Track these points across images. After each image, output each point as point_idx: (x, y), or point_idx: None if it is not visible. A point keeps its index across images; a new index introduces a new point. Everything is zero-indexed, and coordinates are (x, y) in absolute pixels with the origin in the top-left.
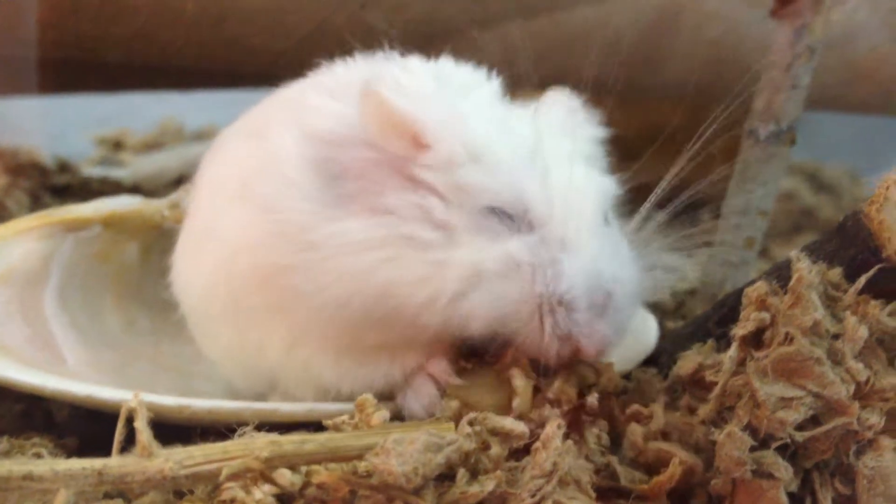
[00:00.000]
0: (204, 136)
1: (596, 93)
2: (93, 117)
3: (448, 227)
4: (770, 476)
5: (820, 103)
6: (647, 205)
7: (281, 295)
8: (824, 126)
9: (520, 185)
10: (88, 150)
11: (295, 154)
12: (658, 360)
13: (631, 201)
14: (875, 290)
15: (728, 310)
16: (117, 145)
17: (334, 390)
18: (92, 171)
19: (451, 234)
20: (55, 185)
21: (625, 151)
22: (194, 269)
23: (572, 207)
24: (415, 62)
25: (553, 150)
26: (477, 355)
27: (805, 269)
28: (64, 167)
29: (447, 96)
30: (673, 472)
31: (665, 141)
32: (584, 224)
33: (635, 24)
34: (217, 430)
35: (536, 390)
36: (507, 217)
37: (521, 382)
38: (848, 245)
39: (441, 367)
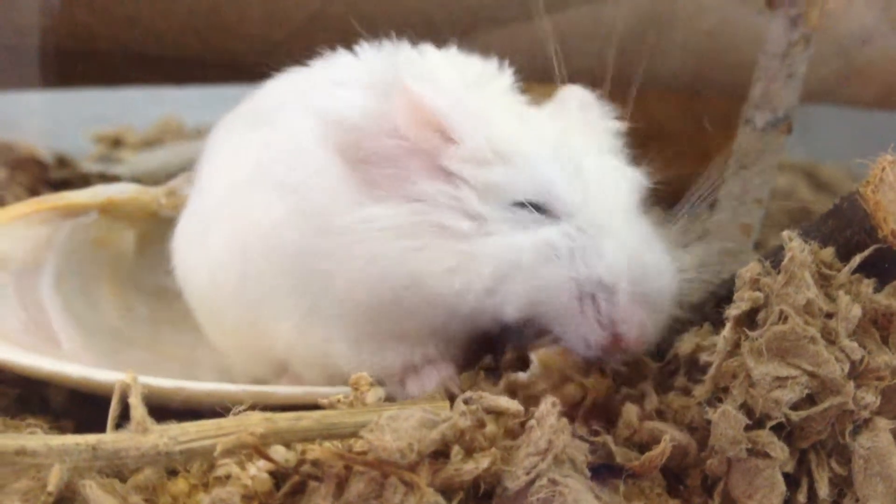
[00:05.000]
0: (204, 133)
1: (592, 88)
2: (92, 114)
3: (480, 218)
4: (765, 455)
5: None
6: (683, 204)
7: (302, 278)
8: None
9: (547, 178)
10: (87, 147)
11: (316, 138)
12: (656, 347)
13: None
14: (870, 271)
15: (724, 294)
16: (116, 143)
17: (348, 375)
18: (91, 166)
19: (482, 224)
20: (53, 179)
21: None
22: (202, 252)
23: (605, 194)
24: (431, 52)
25: (577, 142)
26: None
27: (797, 248)
28: (62, 162)
29: (471, 92)
30: (664, 448)
31: (663, 135)
32: (618, 209)
33: (629, 18)
34: (215, 413)
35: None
36: (538, 209)
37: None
38: (844, 226)
39: (451, 377)
